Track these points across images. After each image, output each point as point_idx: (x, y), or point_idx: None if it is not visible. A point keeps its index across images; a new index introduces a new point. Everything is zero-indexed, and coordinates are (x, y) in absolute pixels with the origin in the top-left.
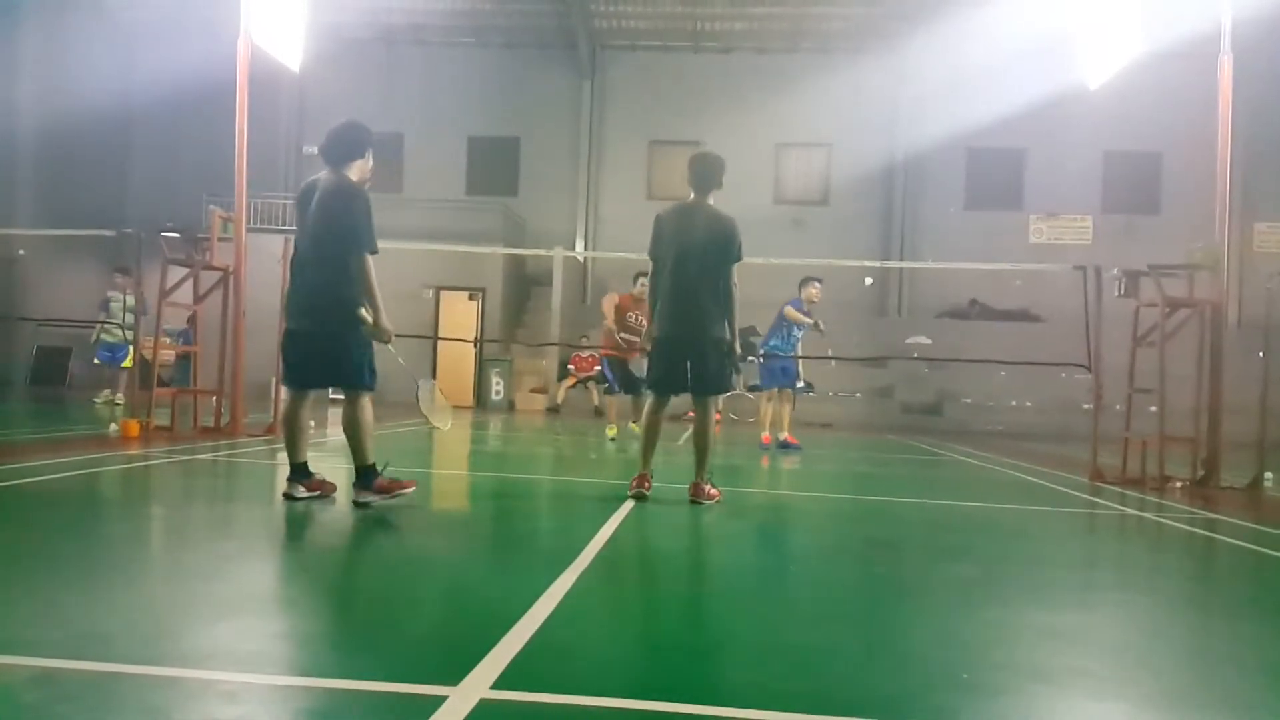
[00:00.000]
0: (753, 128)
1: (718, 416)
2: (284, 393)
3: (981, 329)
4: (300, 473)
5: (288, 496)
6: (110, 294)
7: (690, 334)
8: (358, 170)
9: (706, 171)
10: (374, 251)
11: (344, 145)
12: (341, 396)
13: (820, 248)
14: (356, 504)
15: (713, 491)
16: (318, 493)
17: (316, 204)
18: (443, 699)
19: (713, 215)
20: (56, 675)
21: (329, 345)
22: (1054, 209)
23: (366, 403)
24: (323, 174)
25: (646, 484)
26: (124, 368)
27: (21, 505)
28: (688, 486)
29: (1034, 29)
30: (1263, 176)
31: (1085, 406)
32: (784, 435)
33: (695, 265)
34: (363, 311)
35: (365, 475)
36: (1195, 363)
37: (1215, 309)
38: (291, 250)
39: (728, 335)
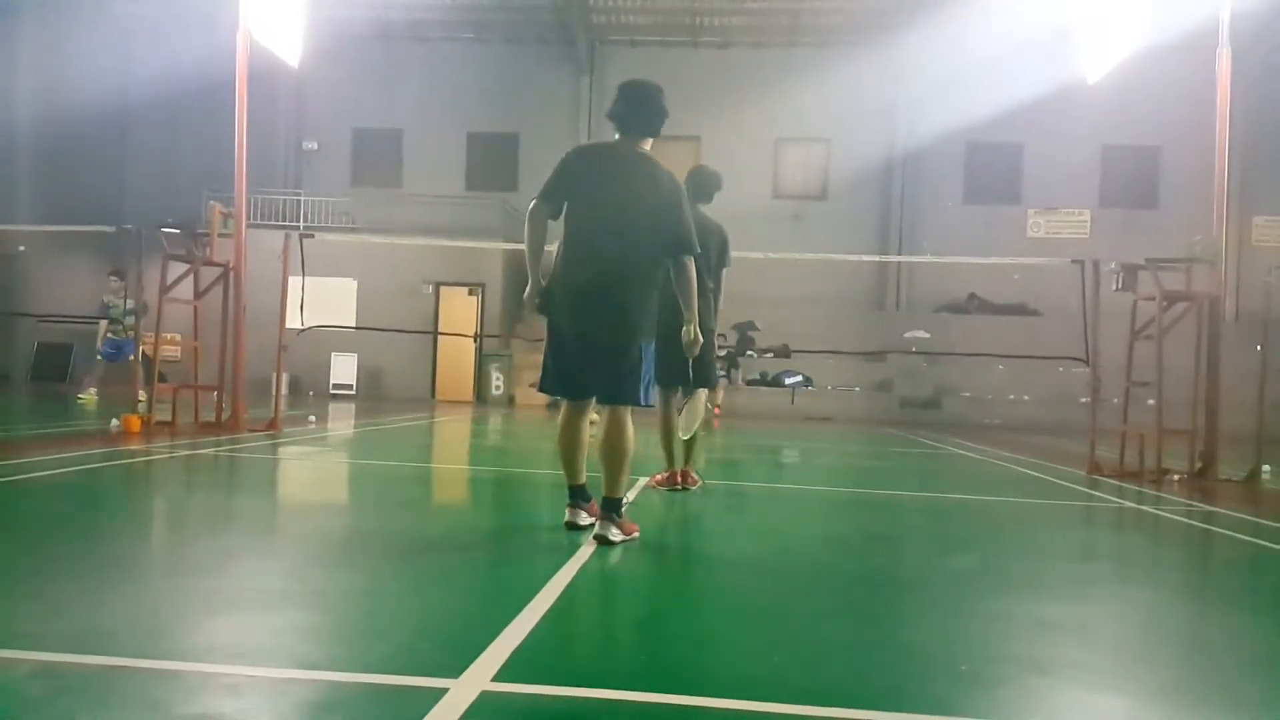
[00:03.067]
0: (751, 123)
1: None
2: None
3: (979, 323)
4: (580, 495)
5: (571, 526)
6: (106, 298)
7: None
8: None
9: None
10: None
11: (653, 115)
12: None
13: (819, 242)
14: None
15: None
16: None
17: (629, 185)
18: (444, 691)
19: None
20: (59, 669)
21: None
22: (1052, 203)
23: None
24: (619, 142)
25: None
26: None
27: (23, 501)
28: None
29: (1033, 23)
30: (1261, 170)
31: (1083, 400)
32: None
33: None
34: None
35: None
36: (1193, 356)
37: (1213, 302)
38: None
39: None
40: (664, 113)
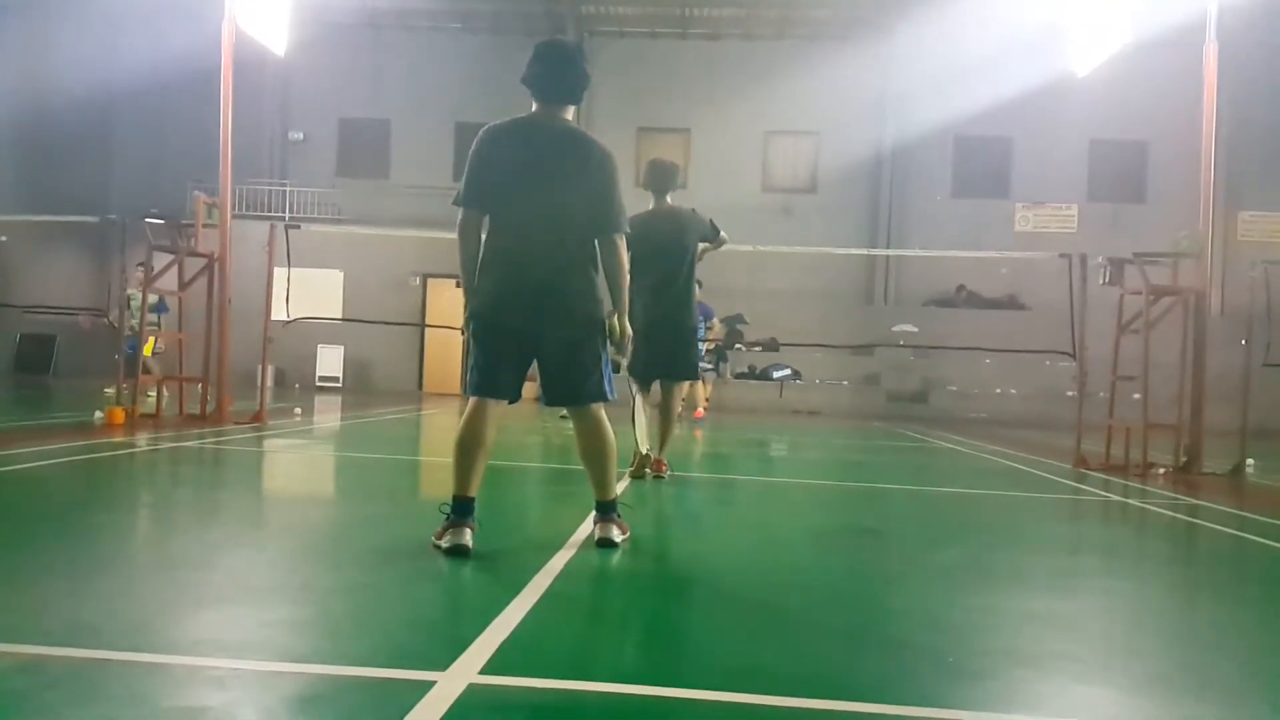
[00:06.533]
0: (741, 116)
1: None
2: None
3: (967, 317)
4: (468, 510)
5: (455, 550)
6: (130, 291)
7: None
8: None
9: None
10: None
11: (578, 79)
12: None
13: (808, 235)
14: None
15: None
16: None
17: (558, 163)
18: (431, 684)
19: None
20: (43, 663)
21: None
22: (1040, 197)
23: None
24: (538, 114)
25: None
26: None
27: (6, 493)
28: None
29: (1022, 17)
30: (1247, 165)
31: (1069, 394)
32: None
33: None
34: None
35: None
36: (1179, 350)
37: (1199, 297)
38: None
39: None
40: (587, 76)
